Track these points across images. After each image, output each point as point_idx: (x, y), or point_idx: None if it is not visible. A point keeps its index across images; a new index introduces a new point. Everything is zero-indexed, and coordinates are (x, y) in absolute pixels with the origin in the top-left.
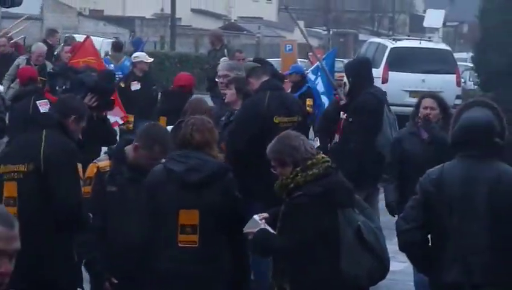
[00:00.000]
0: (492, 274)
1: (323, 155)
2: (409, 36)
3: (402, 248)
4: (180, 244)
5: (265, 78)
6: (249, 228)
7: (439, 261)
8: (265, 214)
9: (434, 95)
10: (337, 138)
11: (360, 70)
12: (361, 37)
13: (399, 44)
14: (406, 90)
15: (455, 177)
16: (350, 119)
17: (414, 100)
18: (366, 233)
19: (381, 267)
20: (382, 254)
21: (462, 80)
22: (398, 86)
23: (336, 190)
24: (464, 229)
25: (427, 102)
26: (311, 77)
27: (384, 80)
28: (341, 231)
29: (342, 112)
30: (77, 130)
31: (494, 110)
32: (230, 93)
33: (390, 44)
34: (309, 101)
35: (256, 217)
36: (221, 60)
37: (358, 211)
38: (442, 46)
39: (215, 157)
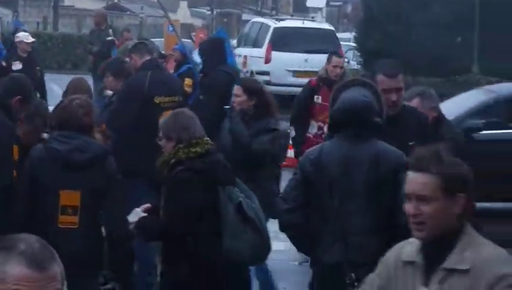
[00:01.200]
0: (372, 253)
1: (208, 139)
2: (292, 16)
3: (282, 228)
4: (60, 225)
5: (147, 57)
6: (132, 218)
7: (319, 241)
8: (147, 205)
9: (243, 81)
10: (314, 124)
11: (213, 49)
12: (245, 17)
13: (282, 24)
14: (289, 70)
15: (334, 157)
16: (201, 97)
17: (297, 80)
18: (247, 209)
19: (264, 245)
20: (263, 232)
21: (346, 60)
22: (282, 66)
23: (217, 167)
24: (343, 209)
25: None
26: (197, 58)
27: (268, 60)
28: (222, 208)
29: (315, 96)
30: (20, 111)
31: (372, 90)
32: (108, 82)
33: (273, 24)
34: (188, 81)
35: (138, 209)
36: (107, 39)
37: (239, 191)
38: (326, 26)
39: (95, 139)
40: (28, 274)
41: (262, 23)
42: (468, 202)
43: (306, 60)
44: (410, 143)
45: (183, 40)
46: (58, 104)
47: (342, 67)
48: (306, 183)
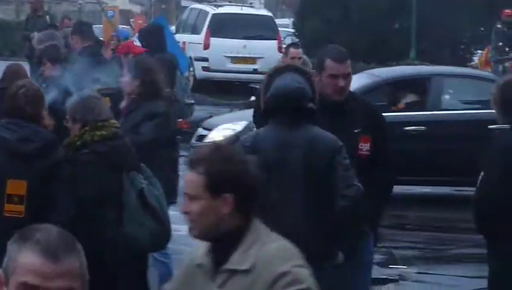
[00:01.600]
0: (309, 238)
1: (114, 121)
2: (230, 2)
3: None
4: (6, 214)
5: (88, 43)
6: None
7: None
8: None
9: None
10: None
11: (152, 35)
12: (184, 3)
13: (220, 10)
14: (228, 56)
15: (269, 143)
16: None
17: (236, 66)
18: (149, 197)
19: (164, 233)
20: (164, 220)
21: (284, 46)
22: (220, 52)
23: (122, 152)
24: (281, 194)
25: None
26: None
27: (206, 46)
28: (124, 193)
29: None
30: None
31: (304, 75)
32: (45, 68)
33: (211, 10)
34: None
35: None
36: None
37: (143, 177)
38: (264, 12)
39: (46, 127)
40: (39, 264)
41: (201, 9)
42: (241, 200)
43: (244, 46)
44: (356, 130)
45: (122, 26)
46: (3, 91)
47: (300, 58)
48: None
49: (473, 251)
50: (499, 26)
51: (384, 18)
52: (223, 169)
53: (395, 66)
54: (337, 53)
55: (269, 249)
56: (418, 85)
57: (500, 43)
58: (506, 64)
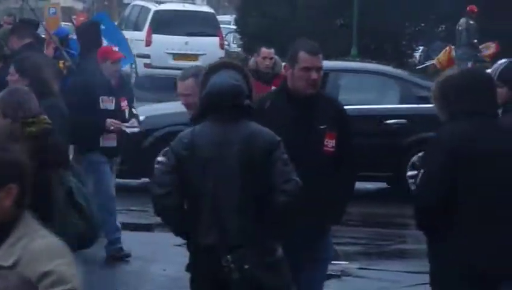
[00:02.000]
0: (247, 235)
1: (45, 117)
2: None
3: (157, 212)
4: None
5: (27, 40)
6: None
7: (196, 224)
8: None
9: (14, 60)
10: None
11: (89, 33)
12: (126, 0)
13: (162, 7)
14: (170, 53)
15: (207, 139)
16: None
17: (178, 63)
18: (77, 195)
19: (91, 232)
20: (92, 219)
21: (226, 43)
22: (162, 49)
23: (50, 149)
24: (218, 191)
25: None
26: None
27: (148, 43)
28: (52, 191)
29: None
30: None
31: (240, 72)
32: None
33: (153, 7)
34: (60, 64)
35: None
36: None
37: (72, 175)
38: (206, 8)
39: None
40: None
41: (143, 6)
42: (22, 191)
43: (186, 43)
44: (322, 126)
45: (63, 23)
46: None
47: (271, 58)
48: (179, 167)
49: (414, 247)
50: (471, 22)
51: (327, 15)
52: (4, 157)
53: None
54: (310, 46)
55: (36, 246)
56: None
57: (475, 40)
58: (469, 64)
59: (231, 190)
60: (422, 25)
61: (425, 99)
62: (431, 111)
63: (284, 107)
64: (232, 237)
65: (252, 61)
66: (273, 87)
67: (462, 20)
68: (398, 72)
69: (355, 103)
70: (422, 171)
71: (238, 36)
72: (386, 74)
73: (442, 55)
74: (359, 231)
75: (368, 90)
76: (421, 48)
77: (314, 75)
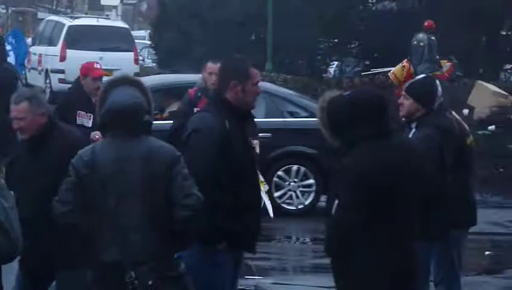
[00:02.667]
0: (150, 250)
1: None
2: (86, 14)
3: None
4: None
5: None
6: None
7: (99, 242)
8: None
9: None
10: None
11: None
12: (40, 15)
13: (77, 22)
14: None
15: (108, 156)
16: None
17: None
18: None
19: (10, 245)
20: (11, 232)
21: (141, 58)
22: (77, 64)
23: None
24: (120, 208)
25: None
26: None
27: (62, 58)
28: None
29: (195, 109)
30: None
31: (140, 88)
32: None
33: (67, 22)
34: None
35: None
36: None
37: None
38: (120, 24)
39: None
40: None
41: (57, 21)
42: None
43: (101, 58)
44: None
45: None
46: None
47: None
48: (81, 185)
49: (329, 261)
50: (432, 38)
51: (241, 30)
52: None
53: None
54: (251, 62)
55: None
56: (180, 93)
57: (438, 56)
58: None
59: (133, 206)
60: (336, 40)
61: (291, 114)
62: (296, 125)
63: (236, 125)
64: (135, 253)
65: (200, 79)
66: None
67: (422, 36)
68: (266, 86)
69: None
70: (336, 202)
71: (152, 51)
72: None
73: (399, 71)
74: (273, 245)
75: None
76: (335, 63)
77: (258, 89)
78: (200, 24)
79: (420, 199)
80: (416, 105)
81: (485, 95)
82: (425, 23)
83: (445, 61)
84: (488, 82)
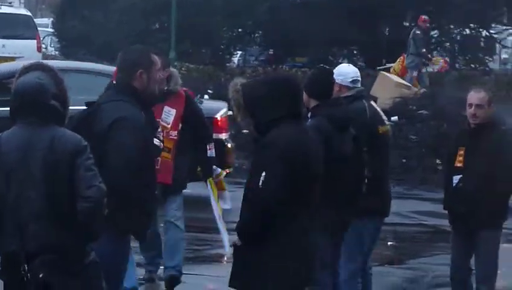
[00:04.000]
0: (47, 242)
1: None
2: None
3: None
4: None
5: None
6: None
7: (1, 232)
8: None
9: None
10: None
11: None
12: None
13: None
14: None
15: (12, 144)
16: None
17: None
18: None
19: None
20: None
21: (43, 46)
22: None
23: None
24: (21, 197)
25: None
26: None
27: None
28: None
29: None
30: None
31: (50, 73)
32: None
33: None
34: None
35: None
36: None
37: None
38: (23, 11)
39: None
40: None
41: None
42: None
43: (3, 46)
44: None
45: None
46: None
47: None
48: None
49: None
50: (418, 32)
51: (144, 19)
52: None
53: None
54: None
55: None
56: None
57: (424, 50)
58: (423, 70)
59: (33, 196)
60: (240, 30)
61: None
62: None
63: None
64: (32, 244)
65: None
66: (167, 107)
67: (412, 30)
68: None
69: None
70: (263, 175)
71: (55, 39)
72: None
73: (396, 64)
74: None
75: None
76: (239, 52)
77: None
78: (103, 12)
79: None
80: (307, 97)
81: (388, 86)
82: (419, 19)
83: (439, 58)
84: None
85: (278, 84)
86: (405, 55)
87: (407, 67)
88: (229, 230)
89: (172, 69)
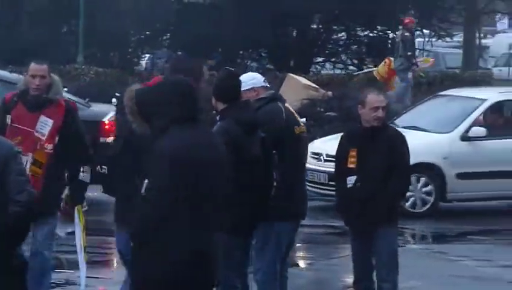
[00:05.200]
0: None
1: None
2: None
3: None
4: None
5: None
6: None
7: None
8: None
9: None
10: None
11: None
12: None
13: None
14: None
15: None
16: None
17: None
18: None
19: None
20: None
21: None
22: None
23: None
24: None
25: None
26: None
27: None
28: None
29: (7, 116)
30: None
31: None
32: None
33: None
34: None
35: None
36: None
37: None
38: None
39: None
40: None
41: None
42: None
43: None
44: None
45: None
46: None
47: (44, 76)
48: None
49: None
50: (406, 34)
51: (52, 22)
52: None
53: (63, 71)
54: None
55: None
56: None
57: (409, 53)
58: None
59: None
60: (148, 33)
61: None
62: None
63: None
64: None
65: (22, 81)
66: (43, 117)
67: (399, 32)
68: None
69: None
70: (147, 181)
71: None
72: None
73: (381, 68)
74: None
75: None
76: (147, 55)
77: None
78: (9, 14)
79: (224, 192)
80: (216, 100)
81: (295, 88)
82: (404, 20)
83: (428, 58)
84: (299, 75)
85: (167, 88)
86: (391, 59)
87: (397, 70)
88: None
89: (54, 76)
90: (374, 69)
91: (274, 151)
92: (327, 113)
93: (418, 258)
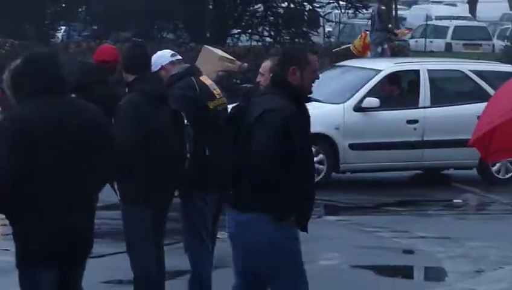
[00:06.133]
0: None
1: None
2: None
3: None
4: None
5: None
6: None
7: None
8: None
9: None
10: None
11: None
12: None
13: None
14: None
15: None
16: None
17: None
18: None
19: None
20: None
21: None
22: None
23: None
24: None
25: None
26: None
27: None
28: None
29: None
30: None
31: None
32: None
33: None
34: None
35: None
36: None
37: None
38: None
39: None
40: None
41: None
42: None
43: None
44: None
45: None
46: None
47: None
48: None
49: None
50: (383, 8)
51: None
52: None
53: None
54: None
55: None
56: None
57: (390, 25)
58: (385, 46)
59: None
60: (64, 5)
61: None
62: None
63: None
64: None
65: None
66: None
67: (374, 6)
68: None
69: None
70: None
71: None
72: None
73: (357, 42)
74: None
75: None
76: (63, 27)
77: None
78: None
79: (97, 164)
80: (124, 72)
81: (211, 60)
82: None
83: (406, 30)
84: (215, 46)
85: (29, 61)
86: (367, 32)
87: (371, 44)
88: None
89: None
90: (350, 45)
91: (188, 124)
92: (243, 85)
93: (334, 229)
